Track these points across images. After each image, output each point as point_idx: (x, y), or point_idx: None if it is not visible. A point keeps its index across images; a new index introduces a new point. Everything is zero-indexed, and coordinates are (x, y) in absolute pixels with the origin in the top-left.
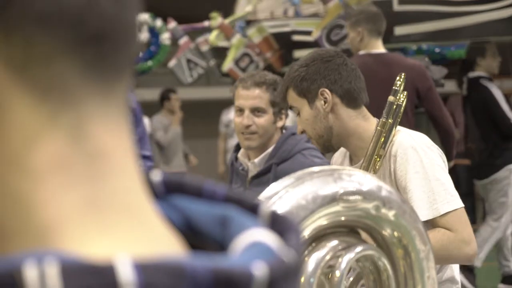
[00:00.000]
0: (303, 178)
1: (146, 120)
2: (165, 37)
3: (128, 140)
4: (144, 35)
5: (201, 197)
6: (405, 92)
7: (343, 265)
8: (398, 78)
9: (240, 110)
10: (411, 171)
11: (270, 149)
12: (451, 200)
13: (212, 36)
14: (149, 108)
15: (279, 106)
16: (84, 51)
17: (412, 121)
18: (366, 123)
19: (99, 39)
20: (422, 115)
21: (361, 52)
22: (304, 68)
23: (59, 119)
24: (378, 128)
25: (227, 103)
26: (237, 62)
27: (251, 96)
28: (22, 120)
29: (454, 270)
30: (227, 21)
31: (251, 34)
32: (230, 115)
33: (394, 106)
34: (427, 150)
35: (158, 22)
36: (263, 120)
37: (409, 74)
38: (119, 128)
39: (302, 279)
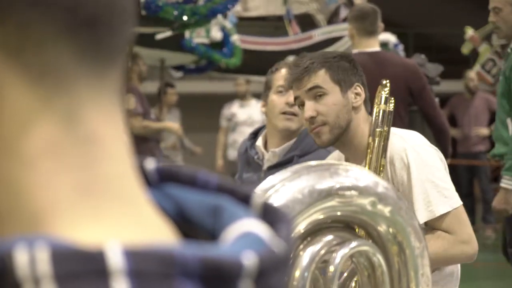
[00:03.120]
0: (300, 172)
1: None
2: (236, 38)
3: (121, 125)
4: (219, 34)
5: (194, 186)
6: (392, 98)
7: (337, 260)
8: (384, 85)
9: (284, 91)
10: (405, 174)
11: (292, 141)
12: (445, 201)
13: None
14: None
15: None
16: (79, 35)
17: (405, 120)
18: (367, 128)
19: (94, 23)
20: (416, 114)
21: (355, 51)
22: (344, 59)
23: (52, 103)
24: (377, 139)
25: (229, 97)
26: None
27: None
28: (15, 105)
29: (455, 265)
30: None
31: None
32: (232, 109)
33: (387, 114)
34: (420, 150)
35: (227, 24)
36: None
37: (402, 72)
38: (112, 113)
39: (297, 273)
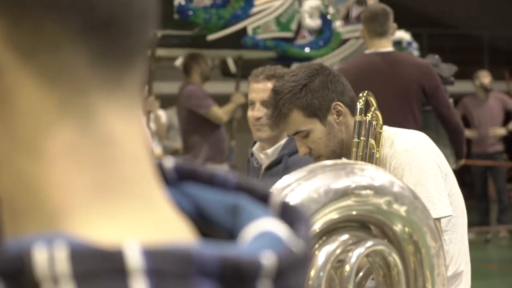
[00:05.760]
0: (315, 171)
1: (162, 112)
2: (338, 25)
3: (139, 126)
4: (315, 22)
5: (213, 185)
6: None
7: (353, 260)
8: (360, 96)
9: (252, 104)
10: (401, 174)
11: (283, 141)
12: (433, 207)
13: None
14: (167, 101)
15: None
16: (94, 37)
17: (419, 120)
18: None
19: (110, 25)
20: (431, 114)
21: (367, 51)
22: (306, 86)
23: (68, 106)
24: (354, 149)
25: None
26: None
27: (261, 89)
28: (31, 107)
29: (466, 265)
30: None
31: None
32: None
33: (364, 124)
34: (419, 153)
35: (331, 9)
36: None
37: (415, 73)
38: (129, 114)
39: (312, 273)
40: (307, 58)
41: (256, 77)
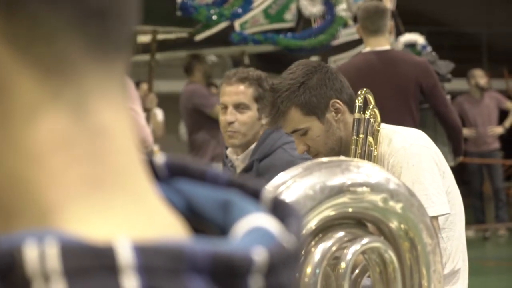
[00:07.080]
0: (311, 168)
1: (158, 110)
2: (341, 8)
3: (127, 117)
4: (317, 9)
5: (204, 181)
6: (371, 106)
7: (348, 257)
8: (359, 94)
9: (224, 107)
10: (398, 172)
11: (252, 146)
12: (431, 205)
13: None
14: (164, 100)
15: (264, 102)
16: (88, 27)
17: (417, 118)
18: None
19: (102, 14)
20: (428, 111)
21: (365, 50)
22: (304, 84)
23: (61, 96)
24: (352, 147)
25: None
26: None
27: (234, 92)
28: (24, 99)
29: (464, 262)
30: None
31: None
32: None
33: (363, 122)
34: (417, 151)
35: None
36: (246, 117)
37: (412, 71)
38: (119, 104)
39: (309, 270)
40: (302, 48)
41: (229, 79)
